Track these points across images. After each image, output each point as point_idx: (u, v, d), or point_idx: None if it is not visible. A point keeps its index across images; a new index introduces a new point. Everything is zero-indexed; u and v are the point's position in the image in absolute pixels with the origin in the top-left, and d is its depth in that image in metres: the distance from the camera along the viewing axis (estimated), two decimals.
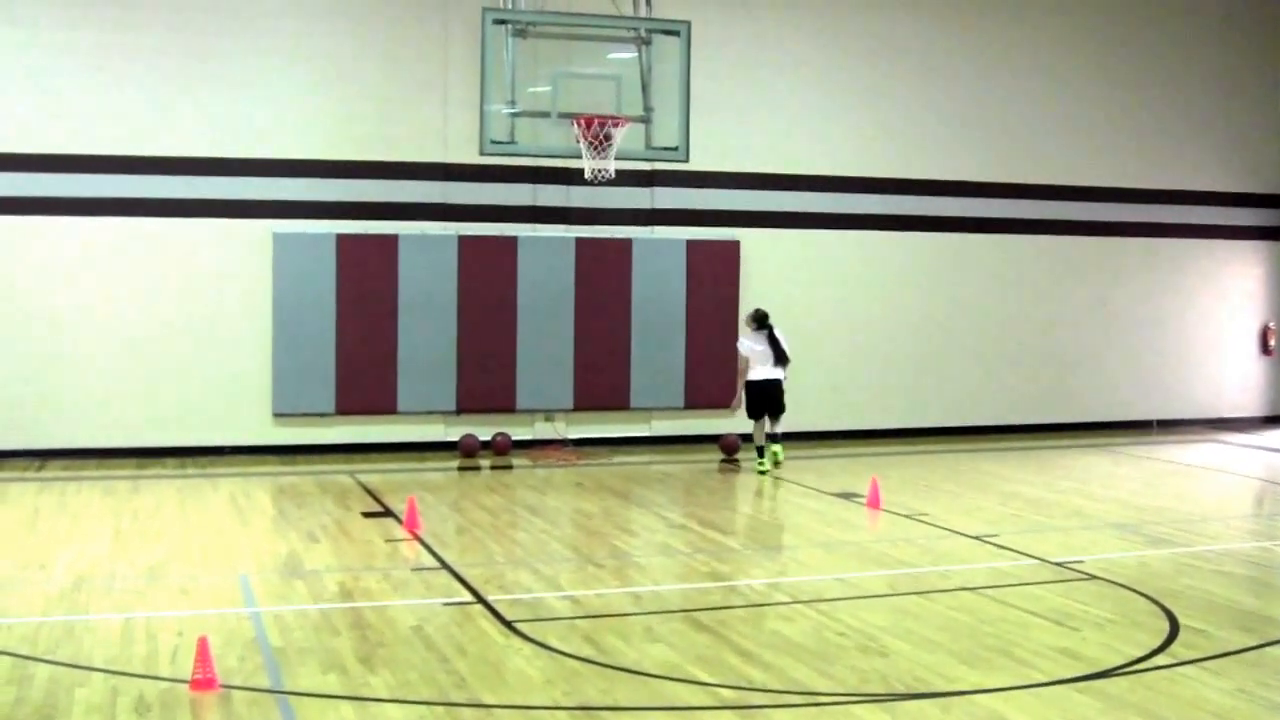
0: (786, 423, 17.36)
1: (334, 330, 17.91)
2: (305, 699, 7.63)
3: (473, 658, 8.49)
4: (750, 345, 17.08)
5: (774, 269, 19.57)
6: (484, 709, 7.47)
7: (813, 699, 7.76)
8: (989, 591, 10.48)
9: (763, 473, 16.81)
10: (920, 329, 20.53)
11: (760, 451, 17.05)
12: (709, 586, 10.80)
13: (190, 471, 16.54)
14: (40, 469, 16.59)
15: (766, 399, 17.04)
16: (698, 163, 18.25)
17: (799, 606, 10.00)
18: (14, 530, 12.80)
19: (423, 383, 18.21)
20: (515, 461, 17.72)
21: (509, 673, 8.20)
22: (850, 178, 20.01)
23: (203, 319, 17.65)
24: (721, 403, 18.60)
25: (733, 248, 19.37)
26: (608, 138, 16.68)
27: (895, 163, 20.24)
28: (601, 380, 18.85)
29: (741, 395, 17.28)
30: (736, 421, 18.66)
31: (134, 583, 10.59)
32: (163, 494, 14.90)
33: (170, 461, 17.19)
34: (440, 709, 7.45)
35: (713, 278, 19.24)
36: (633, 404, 19.06)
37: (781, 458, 17.09)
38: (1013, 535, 12.78)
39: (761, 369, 16.99)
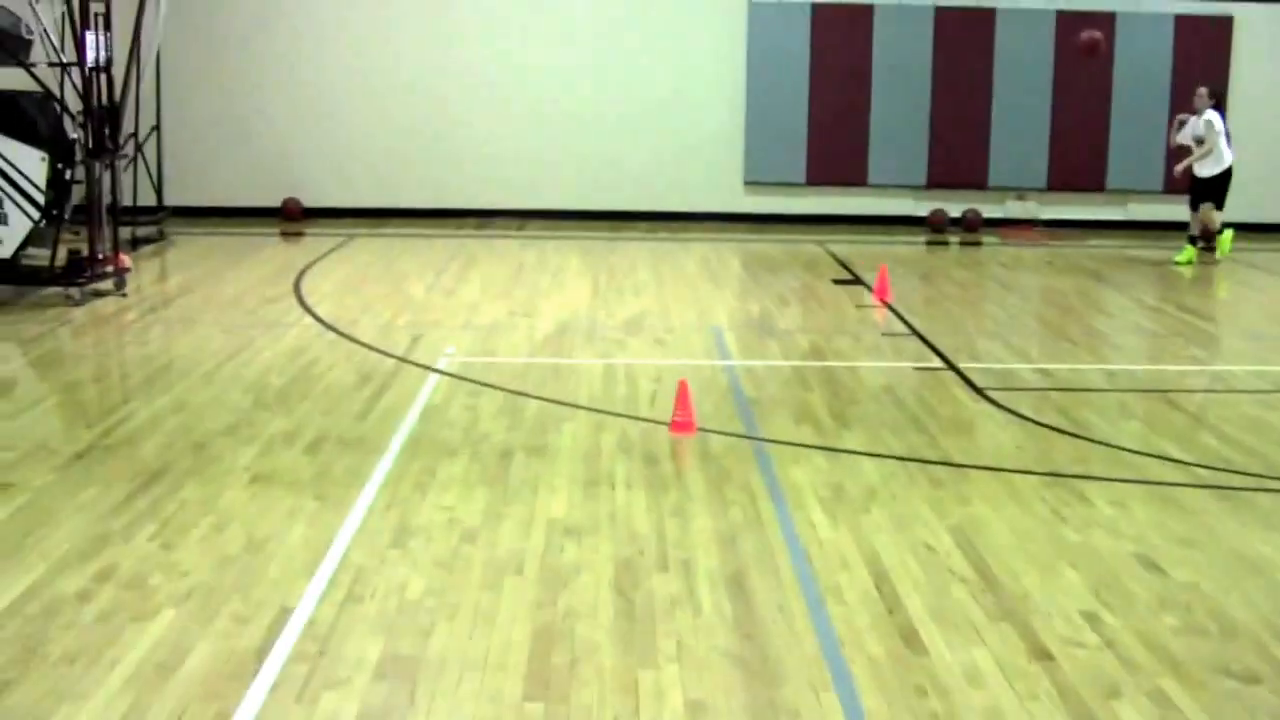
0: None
1: (806, 101, 17.92)
2: (779, 446, 7.80)
3: (944, 420, 8.49)
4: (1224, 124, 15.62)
5: (1271, 49, 18.33)
6: (956, 468, 7.47)
7: None
8: None
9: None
10: None
11: (1211, 241, 15.70)
12: (1186, 369, 10.45)
13: (661, 235, 16.99)
14: (521, 228, 17.37)
15: None
16: None
17: None
18: (501, 281, 13.50)
19: (893, 156, 18.06)
20: (984, 239, 17.46)
21: (980, 436, 8.18)
22: None
23: (678, 89, 17.96)
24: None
25: (1224, 24, 18.25)
26: None
27: None
28: (1077, 159, 18.23)
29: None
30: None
31: (612, 332, 11.04)
32: (636, 255, 15.38)
33: (641, 225, 17.70)
34: (913, 465, 7.50)
35: (1201, 57, 18.17)
36: (1109, 186, 18.39)
37: None
38: None
39: (1229, 151, 15.58)
